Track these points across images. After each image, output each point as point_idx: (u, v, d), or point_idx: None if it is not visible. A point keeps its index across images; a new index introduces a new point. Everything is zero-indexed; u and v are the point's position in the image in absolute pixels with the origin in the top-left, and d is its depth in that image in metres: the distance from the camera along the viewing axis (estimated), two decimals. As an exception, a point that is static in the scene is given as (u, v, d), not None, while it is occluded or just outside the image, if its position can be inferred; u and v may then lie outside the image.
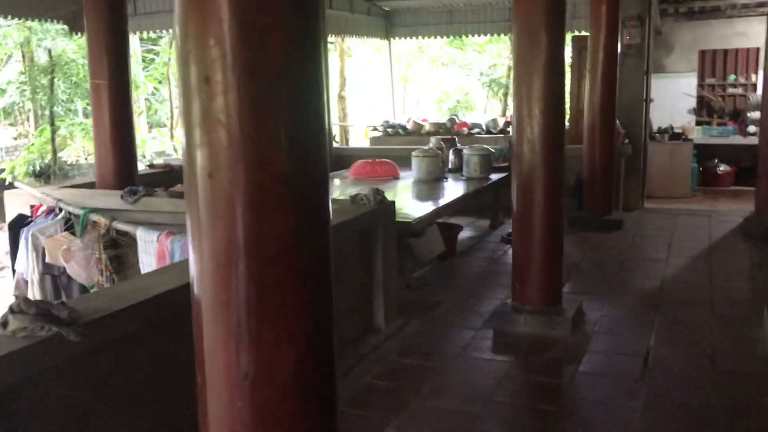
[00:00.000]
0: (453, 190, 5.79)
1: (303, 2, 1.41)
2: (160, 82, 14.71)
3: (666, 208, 7.65)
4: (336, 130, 13.18)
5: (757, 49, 10.18)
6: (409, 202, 5.23)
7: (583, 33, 7.86)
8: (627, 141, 7.26)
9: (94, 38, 4.69)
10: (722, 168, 9.53)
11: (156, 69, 14.41)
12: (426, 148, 6.51)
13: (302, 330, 1.43)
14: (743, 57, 10.38)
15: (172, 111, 13.84)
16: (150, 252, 3.19)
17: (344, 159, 7.59)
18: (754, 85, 10.23)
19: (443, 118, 10.49)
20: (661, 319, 3.98)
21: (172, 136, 14.02)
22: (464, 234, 6.21)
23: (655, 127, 9.13)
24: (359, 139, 12.05)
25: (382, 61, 16.49)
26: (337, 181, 6.37)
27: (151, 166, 6.29)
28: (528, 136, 3.87)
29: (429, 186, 5.96)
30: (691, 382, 3.15)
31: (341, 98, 13.07)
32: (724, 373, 3.21)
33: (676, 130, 9.22)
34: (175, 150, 13.98)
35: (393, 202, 4.02)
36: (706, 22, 10.23)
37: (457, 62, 16.05)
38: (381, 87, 16.41)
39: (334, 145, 11.11)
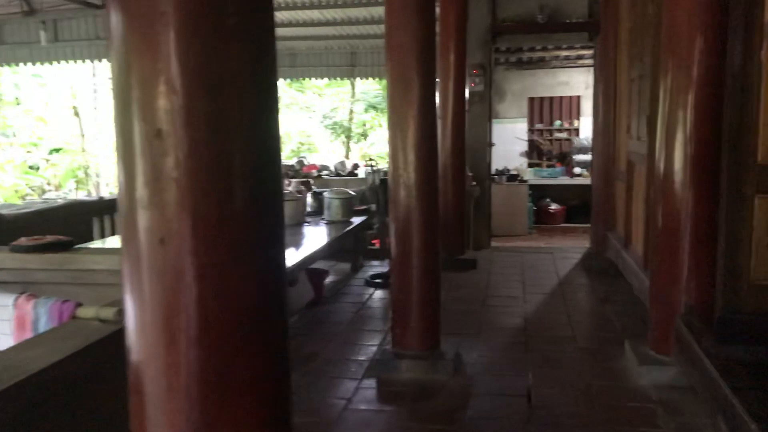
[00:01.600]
0: (316, 235, 5.68)
1: (264, 50, 1.28)
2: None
3: (511, 246, 8.06)
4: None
5: (579, 97, 11.17)
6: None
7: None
8: (475, 183, 7.58)
9: None
10: (553, 207, 10.25)
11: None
12: (286, 191, 6.37)
13: (266, 415, 1.26)
14: (567, 104, 11.34)
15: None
16: (4, 319, 2.76)
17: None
18: (577, 130, 11.20)
19: (290, 160, 10.39)
20: (533, 358, 4.12)
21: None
22: (328, 278, 6.11)
23: (493, 170, 9.65)
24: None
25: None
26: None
27: (-25, 215, 5.59)
28: (405, 181, 3.89)
29: (291, 231, 5.81)
30: (576, 419, 3.25)
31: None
32: (604, 408, 3.36)
33: (512, 172, 9.81)
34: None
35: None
36: (534, 72, 11.09)
37: (298, 104, 16.06)
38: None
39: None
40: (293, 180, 7.07)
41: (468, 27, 7.03)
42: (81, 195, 12.00)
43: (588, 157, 10.15)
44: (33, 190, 13.99)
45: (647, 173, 4.80)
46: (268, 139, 1.28)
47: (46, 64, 8.43)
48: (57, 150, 14.80)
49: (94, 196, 6.76)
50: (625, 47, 5.96)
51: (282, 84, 14.94)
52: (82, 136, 14.08)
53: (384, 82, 14.07)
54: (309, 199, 6.69)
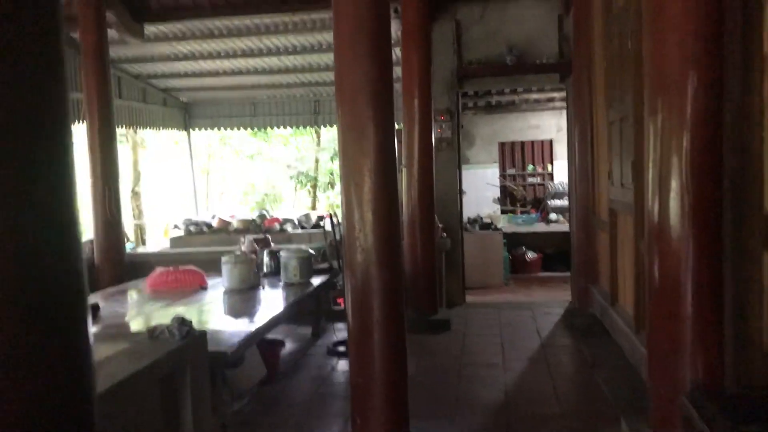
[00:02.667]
0: (272, 300, 5.10)
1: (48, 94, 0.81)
2: None
3: (487, 301, 7.52)
4: (130, 230, 11.96)
5: (551, 141, 10.83)
6: (221, 322, 4.45)
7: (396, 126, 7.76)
8: (445, 234, 7.07)
9: None
10: (530, 255, 9.77)
11: None
12: (237, 252, 5.78)
13: None
14: (539, 148, 10.98)
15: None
16: None
17: (140, 266, 6.63)
18: (551, 175, 10.81)
19: (252, 213, 9.81)
20: (517, 443, 3.54)
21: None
22: (284, 350, 5.50)
23: (465, 218, 9.17)
24: (158, 238, 10.97)
25: (181, 152, 15.59)
26: (132, 296, 5.41)
27: None
28: (361, 244, 3.35)
29: (244, 296, 5.21)
30: None
31: (135, 194, 11.93)
32: None
33: (485, 220, 9.33)
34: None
35: (204, 333, 3.25)
36: (504, 116, 10.74)
37: (262, 154, 15.57)
38: (182, 181, 15.44)
39: (128, 248, 9.94)
40: (247, 237, 6.48)
41: (433, 70, 6.62)
42: None
43: (564, 202, 9.74)
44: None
45: (635, 224, 4.32)
46: (60, 194, 0.80)
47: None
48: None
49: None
50: (601, 88, 5.55)
51: (245, 134, 14.49)
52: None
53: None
54: (266, 257, 6.12)
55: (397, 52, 6.75)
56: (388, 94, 3.42)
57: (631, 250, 4.54)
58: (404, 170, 6.40)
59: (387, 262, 3.37)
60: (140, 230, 11.64)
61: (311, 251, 5.92)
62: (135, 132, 11.68)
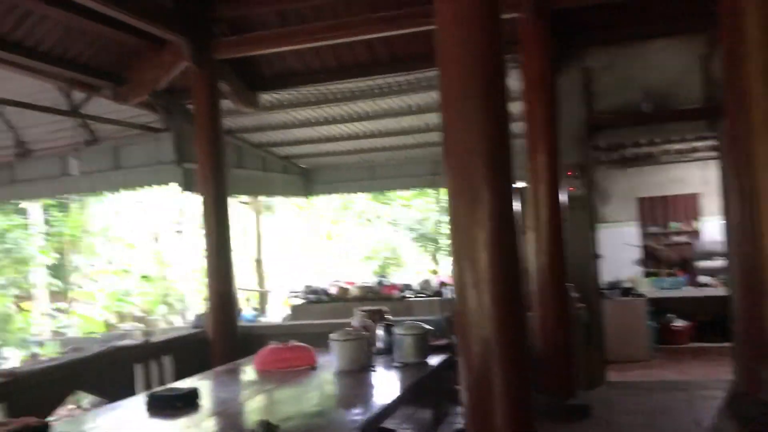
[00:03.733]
0: (385, 384, 4.58)
1: None
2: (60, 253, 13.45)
3: (633, 381, 6.62)
4: (252, 298, 11.98)
5: (696, 195, 9.78)
6: (326, 413, 3.97)
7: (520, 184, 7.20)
8: (581, 304, 6.31)
9: None
10: (678, 324, 8.69)
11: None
12: (348, 328, 5.34)
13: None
14: (683, 203, 9.95)
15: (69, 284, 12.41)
16: None
17: (254, 341, 6.35)
18: (698, 232, 9.73)
19: (370, 281, 9.44)
20: None
21: (68, 313, 12.50)
22: (401, 437, 4.95)
23: (603, 283, 8.31)
24: (280, 306, 10.88)
25: (305, 218, 15.69)
26: (239, 377, 5.08)
27: (-13, 373, 4.86)
28: (479, 333, 2.80)
29: (354, 380, 4.72)
30: None
31: (258, 262, 11.97)
32: None
33: (626, 285, 8.42)
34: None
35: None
36: (642, 169, 9.85)
37: (383, 217, 15.35)
38: (305, 246, 15.47)
39: (251, 317, 9.86)
40: (358, 311, 6.03)
41: (559, 123, 6.02)
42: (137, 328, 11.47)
43: (715, 263, 8.64)
44: (123, 318, 13.71)
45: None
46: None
47: (110, 193, 8.11)
48: (145, 277, 14.61)
49: (139, 339, 5.97)
50: (764, 132, 4.72)
51: (366, 197, 14.35)
52: (162, 263, 13.83)
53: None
54: (380, 332, 5.64)
55: (518, 106, 6.25)
56: (506, 153, 2.90)
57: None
58: (531, 233, 5.78)
59: (511, 356, 2.79)
60: (263, 298, 11.61)
61: (428, 327, 5.37)
62: (258, 200, 11.80)
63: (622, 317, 7.90)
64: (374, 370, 4.94)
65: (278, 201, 14.03)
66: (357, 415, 3.77)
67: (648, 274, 9.57)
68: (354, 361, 4.90)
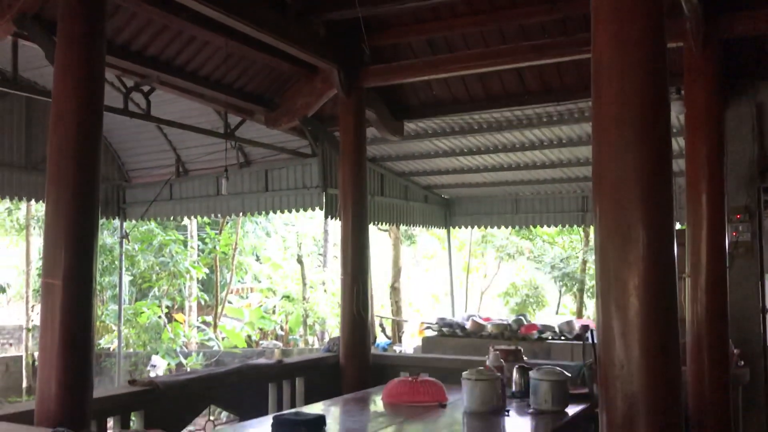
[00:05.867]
0: (517, 430, 4.31)
1: None
2: (210, 269, 14.17)
3: (804, 455, 5.82)
4: (387, 325, 11.96)
5: None
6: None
7: (678, 226, 6.66)
8: (742, 363, 5.66)
9: (51, 227, 3.73)
10: None
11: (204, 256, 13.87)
12: (481, 368, 5.10)
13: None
14: None
15: (217, 299, 13.03)
16: None
17: (384, 371, 6.26)
18: None
19: (508, 318, 9.10)
20: None
21: (214, 326, 13.10)
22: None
23: (769, 340, 7.48)
24: (414, 337, 10.77)
25: (444, 250, 15.56)
26: (367, 407, 4.99)
27: (131, 382, 5.08)
28: (624, 388, 2.51)
29: (484, 422, 4.48)
30: None
31: (395, 290, 11.96)
32: None
33: (798, 343, 7.50)
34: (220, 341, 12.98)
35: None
36: (821, 216, 8.83)
37: (525, 254, 14.89)
38: (442, 278, 15.33)
39: (385, 344, 9.83)
40: (493, 349, 5.76)
41: (726, 162, 5.48)
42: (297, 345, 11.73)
43: None
44: (266, 335, 14.21)
45: None
46: None
47: (259, 213, 8.43)
48: (288, 297, 15.10)
49: (273, 360, 6.06)
50: None
51: (507, 232, 13.99)
52: (304, 284, 14.19)
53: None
54: (515, 374, 5.34)
55: (680, 142, 5.79)
56: (665, 189, 2.61)
57: None
58: (687, 280, 5.28)
59: (659, 417, 2.47)
60: (397, 326, 11.56)
61: (567, 373, 5.02)
62: (398, 228, 11.84)
63: (792, 381, 7.04)
64: (507, 415, 4.68)
65: (419, 231, 14.03)
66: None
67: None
68: (485, 402, 4.65)
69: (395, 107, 6.92)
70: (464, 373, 4.85)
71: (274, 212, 8.14)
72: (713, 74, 5.27)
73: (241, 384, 5.43)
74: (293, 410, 4.67)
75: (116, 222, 9.62)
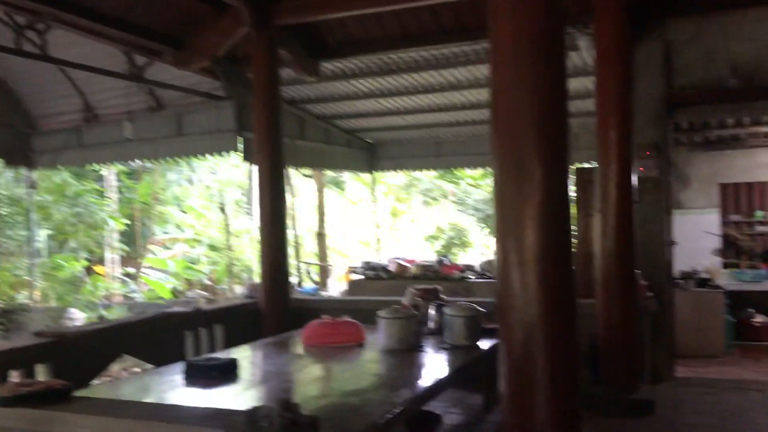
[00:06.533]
0: (431, 366, 4.37)
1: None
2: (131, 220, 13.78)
3: (703, 378, 6.17)
4: (314, 271, 11.94)
5: (786, 183, 9.09)
6: (367, 392, 3.79)
7: (587, 165, 6.81)
8: (650, 294, 5.90)
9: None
10: (759, 319, 8.11)
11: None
12: (397, 306, 5.14)
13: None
14: (770, 191, 9.26)
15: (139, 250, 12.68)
16: None
17: (306, 315, 6.23)
18: (786, 223, 9.05)
19: (431, 260, 9.19)
20: None
21: (137, 278, 12.81)
22: (448, 421, 4.74)
23: (677, 272, 7.81)
24: (340, 282, 10.81)
25: (371, 194, 15.55)
26: (284, 350, 4.97)
27: (38, 333, 4.88)
28: (521, 317, 2.55)
29: (400, 359, 4.54)
30: None
31: (321, 236, 11.90)
32: None
33: (702, 275, 7.89)
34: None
35: (314, 421, 2.60)
36: (726, 153, 9.19)
37: (448, 197, 15.03)
38: (370, 223, 15.36)
39: (311, 290, 9.82)
40: (414, 289, 5.82)
41: (635, 99, 5.58)
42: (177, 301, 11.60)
43: (805, 256, 8.00)
44: (192, 286, 13.97)
45: None
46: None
47: (171, 159, 8.15)
48: (213, 247, 14.84)
49: (190, 307, 5.95)
50: None
51: (432, 174, 14.06)
52: (228, 233, 13.97)
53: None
54: (432, 312, 5.41)
55: (589, 82, 5.85)
56: (561, 123, 2.61)
57: None
58: (597, 214, 5.42)
59: (556, 344, 2.53)
60: (324, 272, 11.56)
61: (481, 309, 5.12)
62: (321, 173, 11.71)
63: (696, 309, 7.42)
64: (422, 351, 4.74)
65: (346, 176, 13.95)
66: (397, 396, 3.58)
67: (727, 265, 8.98)
68: (401, 340, 4.71)
69: (310, 47, 6.73)
70: (380, 312, 4.88)
71: (188, 157, 7.88)
72: (622, 11, 5.30)
73: (155, 333, 5.32)
74: (205, 356, 4.61)
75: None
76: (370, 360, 4.52)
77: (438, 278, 8.12)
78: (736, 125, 8.02)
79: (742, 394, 5.44)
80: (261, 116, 6.07)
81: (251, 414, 2.49)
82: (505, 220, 2.60)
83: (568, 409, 2.56)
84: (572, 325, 2.61)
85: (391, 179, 14.69)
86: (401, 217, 15.70)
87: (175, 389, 3.54)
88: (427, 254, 12.27)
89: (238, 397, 3.40)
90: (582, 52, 6.23)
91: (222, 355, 4.40)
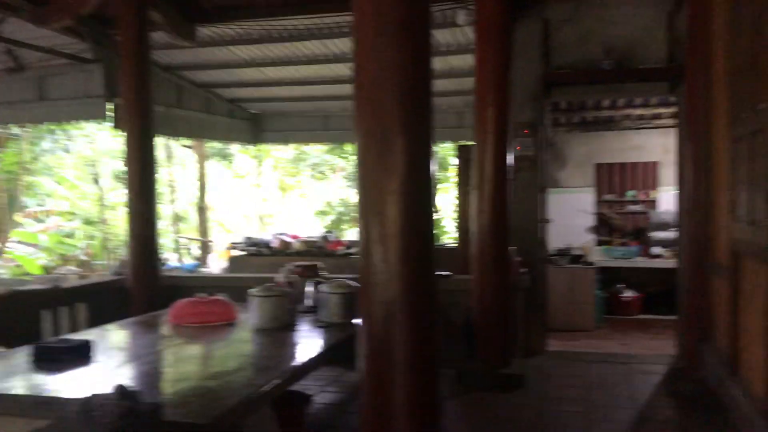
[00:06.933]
0: (305, 344, 4.23)
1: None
2: None
3: (573, 352, 6.39)
4: (194, 246, 11.51)
5: (655, 164, 9.52)
6: (231, 374, 3.61)
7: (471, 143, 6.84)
8: (524, 270, 6.02)
9: None
10: (627, 294, 8.52)
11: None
12: (270, 284, 4.96)
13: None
14: (641, 171, 9.68)
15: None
16: None
17: (179, 293, 5.93)
18: (654, 202, 9.51)
19: (317, 235, 9.04)
20: None
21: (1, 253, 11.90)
22: (321, 400, 4.64)
23: (552, 249, 8.05)
24: (222, 257, 10.45)
25: (259, 168, 15.18)
26: (148, 330, 4.68)
27: None
28: (382, 295, 2.45)
29: (271, 339, 4.37)
30: None
31: (202, 210, 11.46)
32: None
33: (576, 252, 8.17)
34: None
35: (156, 408, 2.40)
36: (602, 134, 9.53)
37: (339, 172, 14.90)
38: (257, 197, 15.00)
39: (191, 267, 9.43)
40: (293, 266, 5.65)
41: (514, 77, 5.61)
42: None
43: (669, 234, 8.44)
44: (67, 262, 13.13)
45: (772, 276, 3.18)
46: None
47: (33, 125, 7.55)
48: (87, 220, 14.02)
49: (47, 284, 5.52)
50: (723, 96, 4.41)
51: (320, 149, 13.87)
52: (102, 205, 13.23)
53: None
54: (310, 289, 5.27)
55: (470, 59, 5.84)
56: (424, 95, 2.51)
57: (763, 310, 3.39)
58: (474, 192, 5.44)
59: (417, 323, 2.45)
60: (205, 248, 11.15)
61: (357, 285, 5.03)
62: (203, 145, 11.25)
63: (569, 285, 7.68)
64: (296, 330, 4.60)
65: (234, 148, 13.50)
66: (261, 377, 3.42)
67: (600, 243, 9.36)
68: (274, 318, 4.54)
69: (186, 10, 6.34)
70: (251, 290, 4.68)
71: (51, 123, 7.30)
72: (503, -12, 5.29)
73: (6, 312, 4.90)
74: (58, 337, 4.27)
75: None
76: (239, 340, 4.33)
77: (322, 254, 7.98)
78: (612, 107, 8.32)
79: (608, 367, 5.66)
80: (129, 81, 5.67)
81: (85, 403, 2.27)
82: (367, 194, 2.49)
83: (428, 389, 2.49)
84: (433, 303, 2.54)
85: (280, 153, 14.36)
86: (290, 192, 15.42)
87: (18, 374, 3.23)
88: (316, 230, 12.08)
89: (87, 382, 3.14)
90: (466, 30, 6.21)
91: (80, 336, 4.09)
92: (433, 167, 2.56)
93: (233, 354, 4.01)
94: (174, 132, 8.32)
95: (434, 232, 2.57)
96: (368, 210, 2.49)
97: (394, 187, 2.42)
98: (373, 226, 2.47)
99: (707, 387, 4.60)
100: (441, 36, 6.49)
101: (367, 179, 2.49)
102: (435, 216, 2.64)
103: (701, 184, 4.98)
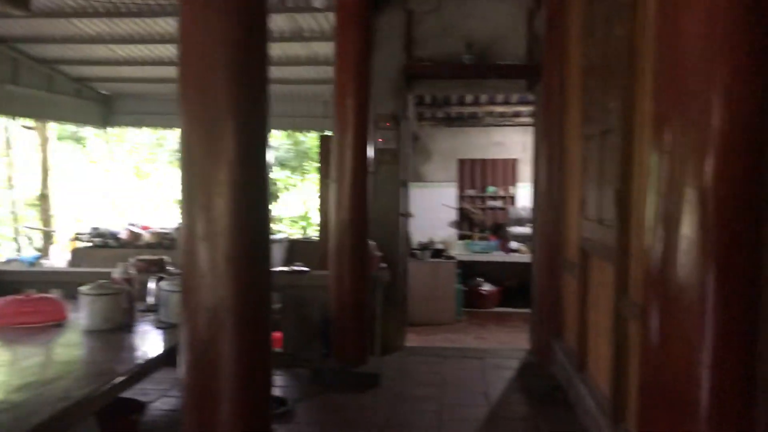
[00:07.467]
0: (142, 347, 3.85)
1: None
2: None
3: (430, 347, 6.36)
4: (35, 237, 10.57)
5: (515, 160, 9.76)
6: (45, 384, 3.18)
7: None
8: (384, 264, 5.90)
9: None
10: (486, 288, 8.66)
11: None
12: (104, 281, 4.51)
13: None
14: (501, 168, 9.90)
15: None
16: None
17: (4, 288, 5.32)
18: (513, 198, 9.75)
19: (171, 226, 8.51)
20: None
21: None
22: (161, 406, 4.28)
23: (415, 243, 8.03)
24: (67, 249, 9.63)
25: (117, 153, 14.23)
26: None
27: None
28: (207, 300, 2.18)
29: (103, 341, 3.94)
30: None
31: (44, 197, 10.53)
32: None
33: (438, 246, 8.19)
34: None
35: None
36: (465, 130, 9.64)
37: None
38: (110, 184, 14.04)
39: (25, 260, 8.63)
40: (136, 260, 5.19)
41: (375, 68, 5.46)
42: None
43: (526, 230, 8.67)
44: None
45: (616, 274, 3.20)
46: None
47: None
48: None
49: None
50: (577, 94, 4.46)
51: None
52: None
53: (297, 135, 12.34)
54: (153, 286, 4.85)
55: (330, 46, 5.62)
56: (260, 71, 2.25)
57: (608, 308, 3.42)
58: (333, 185, 5.23)
59: (246, 329, 2.20)
60: (48, 239, 10.25)
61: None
62: (45, 126, 10.33)
63: (430, 279, 7.68)
64: (132, 331, 4.18)
65: (88, 131, 12.53)
66: (83, 386, 3.02)
67: (462, 237, 9.48)
68: (107, 319, 4.10)
69: (17, -26, 5.68)
70: (81, 288, 4.22)
71: None
72: (364, -25, 5.11)
73: None
74: None
75: None
76: (66, 343, 3.88)
77: (175, 247, 7.51)
78: (475, 104, 8.40)
79: (463, 362, 5.66)
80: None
81: None
82: (191, 186, 2.21)
83: (259, 403, 2.25)
84: (267, 307, 2.30)
85: (138, 137, 13.51)
86: (147, 180, 14.54)
87: None
88: (173, 221, 11.42)
89: None
90: (329, 16, 5.98)
91: None
92: (270, 156, 2.32)
93: (56, 360, 3.56)
94: (10, 111, 7.53)
95: (270, 228, 2.33)
96: (193, 203, 2.21)
97: (223, 177, 2.16)
98: (198, 221, 2.19)
99: (557, 382, 4.67)
100: (303, 21, 6.22)
101: (191, 169, 2.20)
102: (273, 211, 2.40)
103: (554, 182, 5.05)
